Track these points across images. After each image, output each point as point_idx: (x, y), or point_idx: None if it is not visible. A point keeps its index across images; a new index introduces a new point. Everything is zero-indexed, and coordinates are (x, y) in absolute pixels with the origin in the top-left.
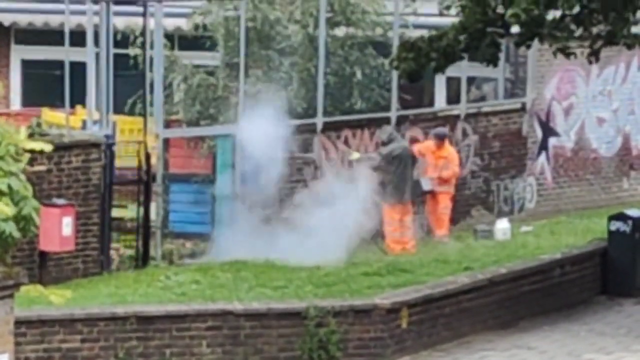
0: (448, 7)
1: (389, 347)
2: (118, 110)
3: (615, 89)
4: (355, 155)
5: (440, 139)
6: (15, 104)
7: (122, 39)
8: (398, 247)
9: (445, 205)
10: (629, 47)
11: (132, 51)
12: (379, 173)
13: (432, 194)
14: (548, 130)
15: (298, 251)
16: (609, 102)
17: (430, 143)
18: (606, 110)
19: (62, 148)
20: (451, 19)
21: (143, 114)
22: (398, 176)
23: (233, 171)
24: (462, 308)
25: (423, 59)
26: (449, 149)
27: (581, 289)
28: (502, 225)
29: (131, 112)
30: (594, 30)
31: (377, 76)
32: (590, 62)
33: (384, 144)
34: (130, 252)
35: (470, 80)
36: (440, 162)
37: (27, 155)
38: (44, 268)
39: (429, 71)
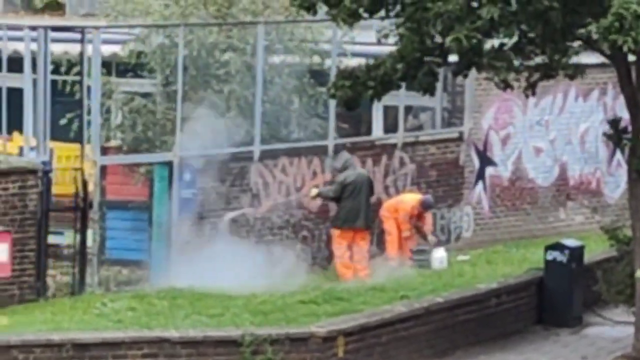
0: (386, 36)
1: None
2: (55, 136)
3: (552, 118)
4: (314, 191)
5: (426, 208)
6: None
7: (59, 66)
8: (349, 273)
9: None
10: (571, 77)
11: (69, 78)
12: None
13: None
14: (485, 160)
15: (234, 278)
16: (546, 132)
17: (415, 205)
18: (543, 140)
19: None
20: (389, 48)
21: (80, 141)
22: (351, 202)
23: (170, 198)
24: (399, 337)
25: (360, 87)
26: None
27: (517, 319)
28: (439, 254)
29: (68, 139)
30: (533, 61)
31: (315, 104)
32: (527, 96)
33: (339, 171)
34: (67, 278)
35: (408, 109)
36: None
37: None
38: None
39: (366, 99)
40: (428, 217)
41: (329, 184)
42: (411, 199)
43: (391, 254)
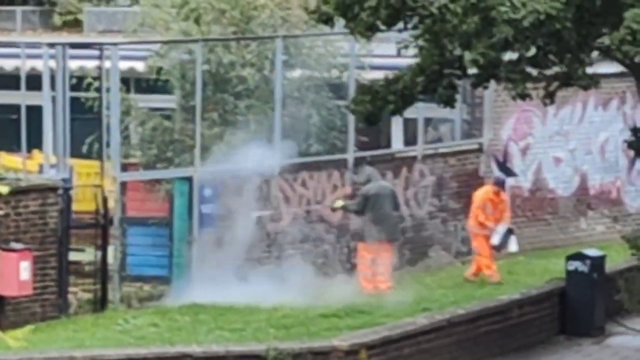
0: (407, 47)
1: None
2: (75, 153)
3: (572, 128)
4: (339, 203)
5: (500, 185)
6: None
7: (78, 82)
8: (370, 286)
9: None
10: (585, 88)
11: (88, 94)
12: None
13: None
14: (505, 171)
15: (257, 293)
16: (565, 142)
17: (487, 190)
18: (563, 150)
19: (19, 192)
20: (407, 60)
21: (100, 157)
22: (374, 215)
23: (190, 214)
24: (421, 349)
25: (380, 101)
26: (504, 193)
27: (540, 329)
28: (514, 239)
29: (88, 156)
30: (550, 71)
31: (334, 118)
32: (545, 105)
33: (362, 184)
34: (88, 295)
35: (427, 122)
36: (501, 207)
37: None
38: (2, 313)
39: (386, 113)
40: (505, 198)
41: (351, 197)
42: (481, 191)
43: (470, 272)
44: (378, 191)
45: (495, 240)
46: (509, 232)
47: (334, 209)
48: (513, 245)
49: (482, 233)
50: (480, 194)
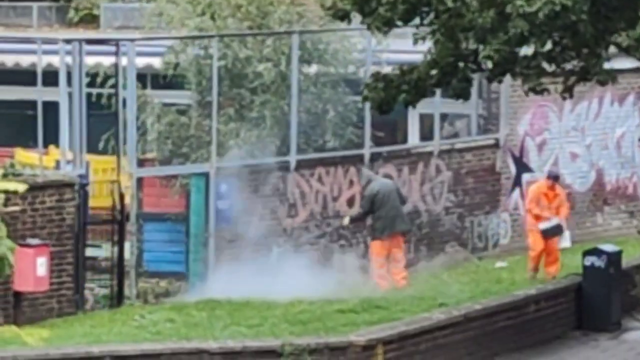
0: (423, 38)
1: None
2: (91, 149)
3: (588, 124)
4: (347, 220)
5: (554, 179)
6: None
7: (94, 78)
8: (385, 283)
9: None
10: (603, 83)
11: (104, 90)
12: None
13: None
14: (521, 166)
15: (273, 289)
16: (582, 138)
17: (541, 184)
18: (579, 146)
19: (35, 188)
20: (423, 56)
21: (116, 153)
22: (383, 211)
23: (207, 209)
24: (438, 344)
25: (393, 90)
26: (559, 187)
27: (556, 325)
28: (567, 234)
29: (104, 152)
30: (567, 66)
31: (350, 113)
32: (564, 98)
33: (364, 187)
34: (105, 291)
35: (444, 117)
36: (557, 201)
37: (1, 196)
38: (19, 308)
39: (399, 104)
40: (561, 192)
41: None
42: (534, 185)
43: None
44: (382, 187)
45: (543, 225)
46: (559, 226)
47: (344, 227)
48: (565, 241)
49: (537, 229)
50: (534, 188)
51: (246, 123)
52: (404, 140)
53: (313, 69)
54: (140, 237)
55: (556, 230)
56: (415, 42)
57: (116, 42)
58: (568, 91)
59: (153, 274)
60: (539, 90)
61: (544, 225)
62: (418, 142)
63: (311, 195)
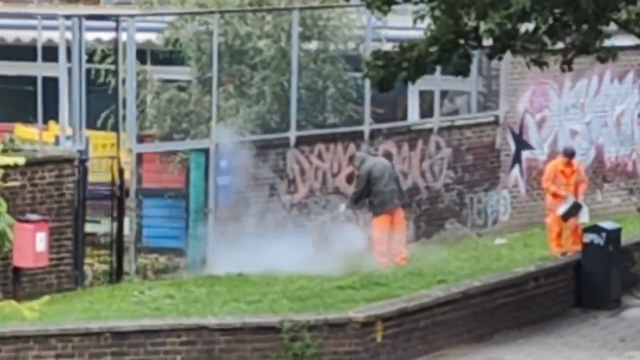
0: (422, 17)
1: None
2: (91, 125)
3: (588, 101)
4: (343, 207)
5: (570, 156)
6: None
7: (94, 54)
8: (385, 260)
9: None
10: (603, 60)
11: (104, 66)
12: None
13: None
14: (521, 143)
15: (271, 264)
16: (582, 115)
17: (557, 161)
18: (579, 123)
19: (35, 164)
20: (423, 32)
21: (116, 129)
22: (380, 187)
23: (206, 185)
24: (437, 321)
25: (393, 67)
26: (576, 163)
27: (555, 302)
28: (585, 210)
29: (104, 127)
30: (567, 40)
31: (350, 90)
32: (563, 71)
33: (358, 168)
34: (104, 267)
35: (443, 94)
36: (574, 178)
37: (1, 172)
38: (18, 284)
39: (402, 84)
40: (578, 168)
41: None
42: (551, 163)
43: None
44: (376, 164)
45: (561, 210)
46: (576, 205)
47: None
48: (585, 216)
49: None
50: (550, 166)
51: (246, 99)
52: (404, 117)
53: (313, 45)
54: (139, 212)
55: (574, 210)
56: (415, 21)
57: (116, 18)
58: (567, 64)
59: (152, 249)
60: (540, 63)
61: (561, 209)
62: (418, 119)
63: (311, 171)
